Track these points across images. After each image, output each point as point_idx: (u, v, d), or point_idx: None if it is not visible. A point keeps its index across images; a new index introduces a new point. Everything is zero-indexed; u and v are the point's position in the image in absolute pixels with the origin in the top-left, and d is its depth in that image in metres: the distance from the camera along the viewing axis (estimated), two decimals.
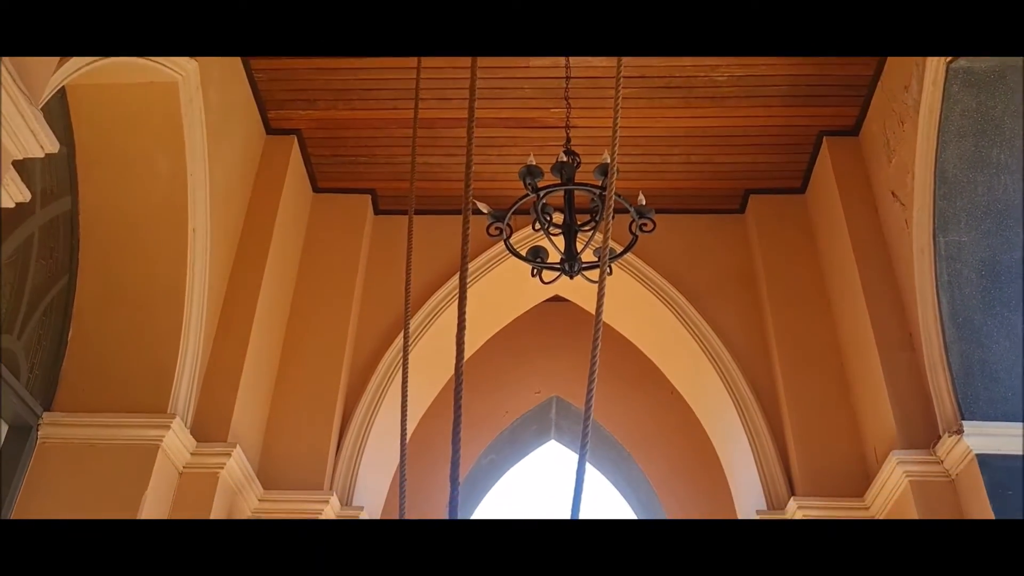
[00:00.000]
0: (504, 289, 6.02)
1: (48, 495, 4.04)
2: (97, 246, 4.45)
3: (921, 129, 4.58)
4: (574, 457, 7.34)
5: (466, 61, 2.53)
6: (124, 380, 4.37)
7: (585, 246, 3.95)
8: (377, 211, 6.26)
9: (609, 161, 2.37)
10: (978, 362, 4.33)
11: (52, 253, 4.29)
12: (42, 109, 3.01)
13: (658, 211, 4.17)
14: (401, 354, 5.39)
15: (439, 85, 5.25)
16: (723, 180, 6.02)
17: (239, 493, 4.68)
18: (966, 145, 4.41)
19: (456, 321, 2.24)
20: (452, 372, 2.21)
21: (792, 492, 4.93)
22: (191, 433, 4.46)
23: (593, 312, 2.19)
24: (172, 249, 4.48)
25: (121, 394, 4.33)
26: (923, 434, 4.47)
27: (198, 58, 4.44)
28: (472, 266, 5.77)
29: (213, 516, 4.34)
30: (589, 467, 5.80)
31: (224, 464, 4.45)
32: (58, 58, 3.19)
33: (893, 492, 4.47)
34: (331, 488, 5.03)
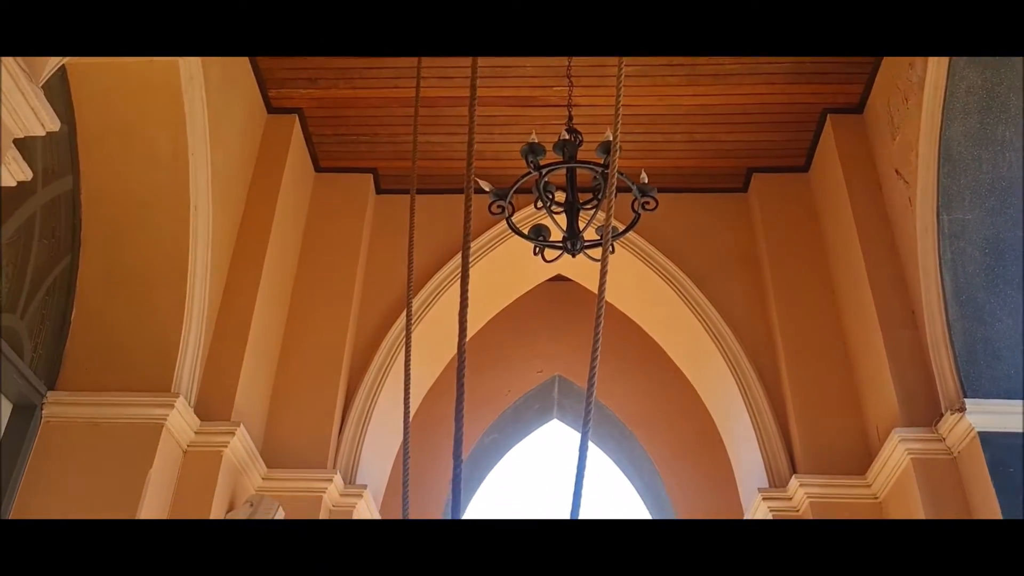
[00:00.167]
0: (506, 269, 6.02)
1: (53, 474, 4.06)
2: (99, 225, 4.45)
3: (926, 106, 4.55)
4: (576, 436, 7.35)
5: None
6: (127, 359, 4.38)
7: (587, 224, 3.94)
8: (379, 190, 6.25)
9: (611, 139, 2.36)
10: (981, 340, 4.33)
11: (54, 233, 4.29)
12: (42, 87, 2.99)
13: (661, 190, 4.15)
14: (404, 333, 5.41)
15: (441, 63, 5.23)
16: (726, 158, 6.00)
17: (243, 472, 4.70)
18: (971, 122, 4.39)
19: (459, 300, 2.24)
20: (455, 351, 2.20)
21: (794, 470, 4.94)
22: (195, 412, 4.47)
23: (595, 291, 2.19)
24: (174, 228, 4.47)
25: (125, 373, 4.34)
26: (925, 412, 4.48)
27: None
28: (474, 245, 5.76)
29: (217, 495, 4.36)
30: (591, 446, 5.82)
31: (228, 443, 4.47)
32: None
33: (895, 470, 4.48)
34: (334, 467, 5.05)
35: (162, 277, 4.47)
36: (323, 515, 4.84)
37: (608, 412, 7.48)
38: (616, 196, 2.47)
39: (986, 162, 4.40)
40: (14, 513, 3.93)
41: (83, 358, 4.39)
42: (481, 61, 2.30)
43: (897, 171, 5.01)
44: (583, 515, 1.91)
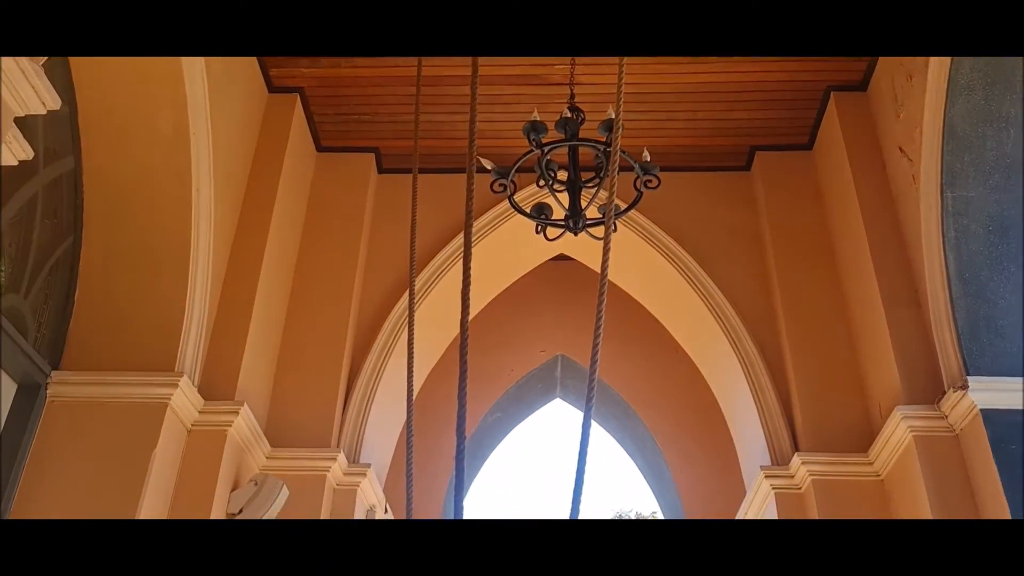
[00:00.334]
0: (509, 247, 6.02)
1: (58, 454, 4.08)
2: (101, 205, 4.44)
3: (930, 84, 4.53)
4: (579, 415, 7.38)
5: None
6: (131, 339, 4.39)
7: (589, 203, 3.93)
8: (381, 170, 6.24)
9: (614, 117, 2.35)
10: (984, 318, 4.33)
11: (56, 212, 4.29)
12: (43, 66, 2.98)
13: (663, 168, 4.14)
14: (407, 313, 5.41)
15: None
16: (729, 137, 5.98)
17: (247, 451, 4.72)
18: (975, 99, 4.36)
19: (461, 279, 2.24)
20: (457, 330, 2.21)
21: (796, 448, 4.96)
22: (199, 391, 4.49)
23: (598, 270, 2.18)
24: (176, 208, 4.47)
25: (129, 353, 4.35)
26: (928, 390, 4.48)
27: None
28: (476, 224, 5.76)
29: (221, 474, 4.38)
30: (594, 424, 5.84)
31: (232, 422, 4.48)
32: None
33: (897, 447, 4.49)
34: (338, 445, 5.08)
35: (165, 257, 4.48)
36: (327, 494, 4.86)
37: (611, 391, 7.50)
38: (618, 174, 2.47)
39: (990, 139, 4.38)
40: (19, 492, 3.95)
41: (87, 338, 4.40)
42: None
43: (901, 149, 4.99)
44: (586, 493, 1.92)
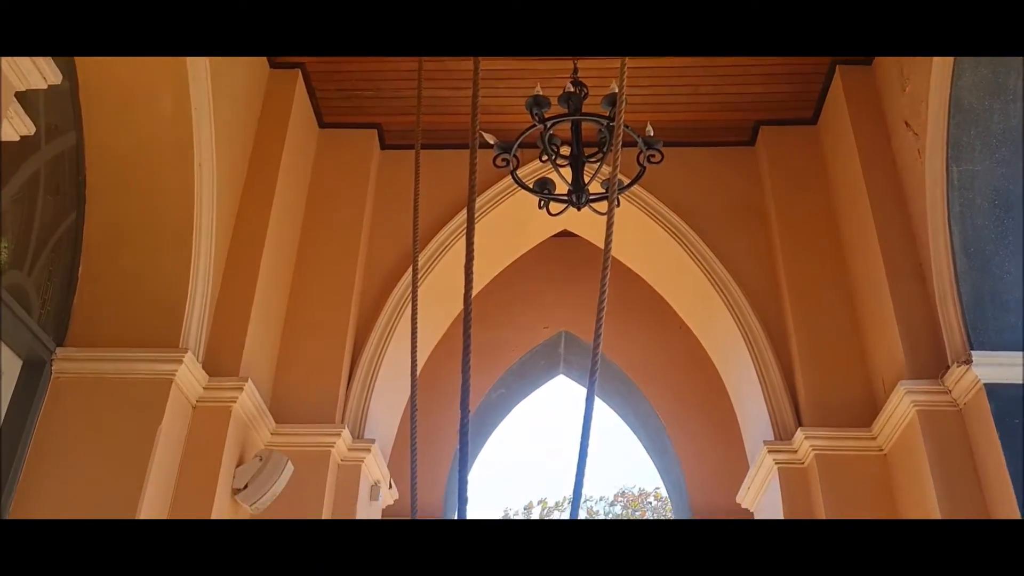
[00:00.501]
0: (512, 224, 6.00)
1: (63, 430, 4.10)
2: (104, 182, 4.44)
3: (936, 57, 4.49)
4: (583, 391, 7.41)
5: None
6: (135, 315, 4.40)
7: (592, 177, 3.92)
8: (384, 146, 6.22)
9: (617, 92, 2.34)
10: (989, 292, 4.32)
11: (59, 189, 4.28)
12: None
13: (667, 144, 4.12)
14: (410, 289, 5.42)
15: None
16: (733, 111, 5.94)
17: (252, 427, 4.74)
18: (982, 73, 4.32)
19: (464, 255, 2.24)
20: (461, 307, 2.21)
21: (799, 423, 4.97)
22: (203, 368, 4.50)
23: (601, 246, 2.18)
24: (179, 184, 4.46)
25: (133, 329, 4.36)
26: (932, 365, 4.48)
27: None
28: (480, 201, 5.74)
29: (226, 450, 4.40)
30: (598, 401, 5.86)
31: (236, 398, 4.50)
32: None
33: (900, 422, 4.50)
34: (342, 421, 5.09)
35: (168, 233, 4.48)
36: (331, 470, 4.88)
37: (614, 367, 7.52)
38: (621, 149, 2.46)
39: (997, 112, 4.35)
40: (26, 468, 3.98)
41: (91, 314, 4.40)
42: None
43: (906, 123, 4.96)
44: (590, 469, 1.92)
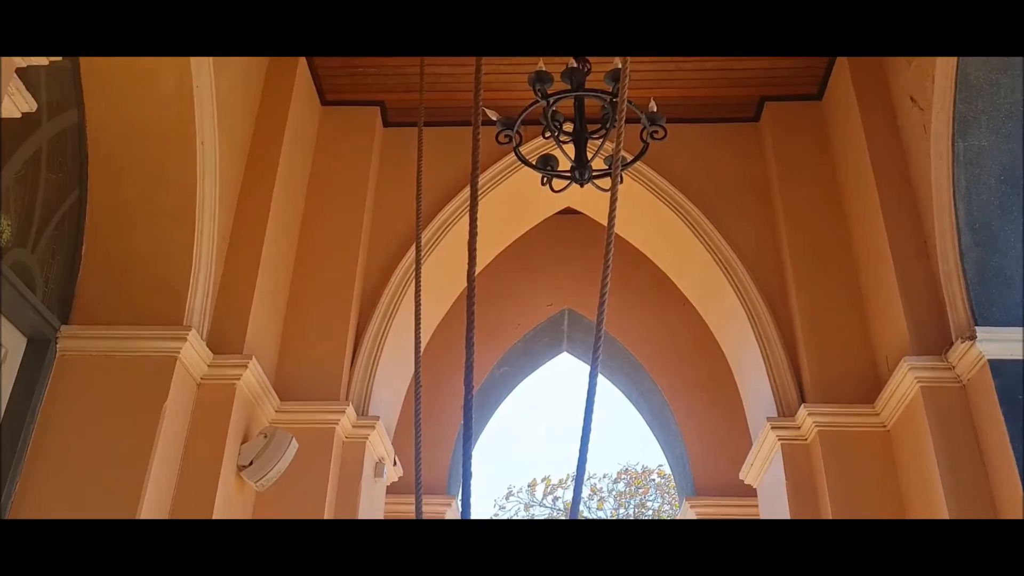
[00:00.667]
0: (515, 201, 5.99)
1: (69, 407, 4.12)
2: (106, 159, 4.43)
3: None
4: (586, 368, 7.44)
5: None
6: (139, 293, 4.41)
7: (595, 154, 3.90)
8: (386, 123, 6.20)
9: (620, 67, 2.32)
10: (994, 268, 4.31)
11: (62, 167, 4.28)
12: None
13: (670, 120, 4.10)
14: (413, 266, 5.41)
15: None
16: (737, 87, 5.90)
17: (256, 404, 4.76)
18: None
19: (467, 233, 2.23)
20: (464, 285, 2.21)
21: (803, 399, 4.97)
22: (207, 345, 4.51)
23: (604, 223, 2.18)
24: (181, 162, 4.45)
25: (137, 307, 4.37)
26: (936, 341, 4.48)
27: None
28: (483, 179, 5.73)
29: (231, 428, 4.42)
30: (601, 378, 5.87)
31: (241, 375, 4.51)
32: None
33: (904, 398, 4.50)
34: (347, 398, 5.11)
35: (171, 210, 4.47)
36: (336, 447, 4.90)
37: (618, 344, 7.52)
38: (625, 125, 2.44)
39: (1004, 87, 4.32)
40: (32, 446, 4.00)
41: (95, 292, 4.41)
42: None
43: (912, 98, 4.93)
44: (593, 447, 1.93)
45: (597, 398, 1.97)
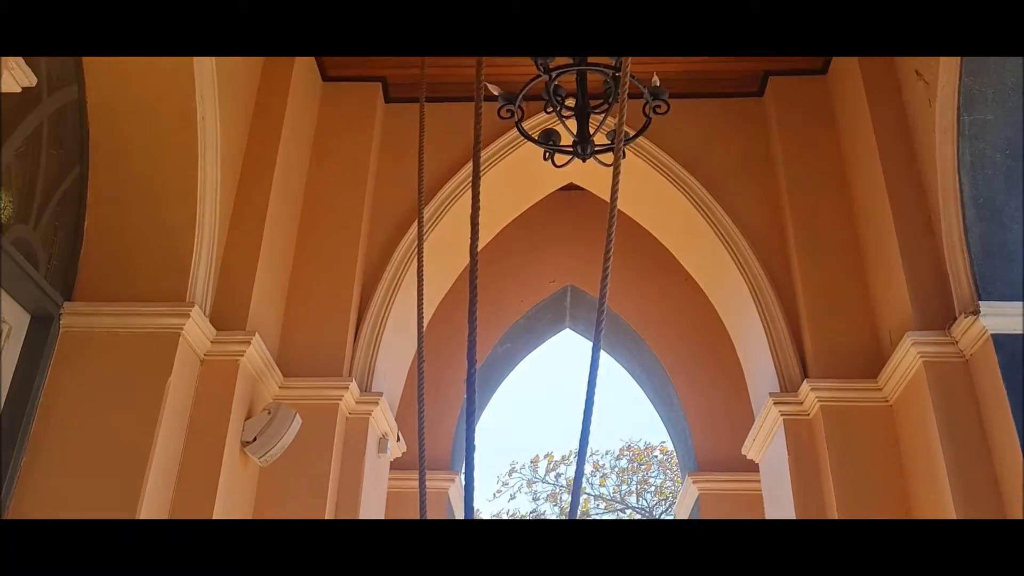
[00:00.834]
0: (518, 177, 5.97)
1: (73, 384, 4.13)
2: (107, 135, 4.41)
3: None
4: (589, 345, 7.44)
5: None
6: (142, 269, 4.40)
7: (597, 128, 3.88)
8: (388, 99, 6.17)
9: None
10: (998, 243, 4.29)
11: (63, 143, 4.26)
12: None
13: (673, 94, 4.07)
14: (416, 242, 5.41)
15: None
16: (741, 61, 5.86)
17: (260, 380, 4.77)
18: None
19: (470, 208, 2.22)
20: (467, 261, 2.20)
21: (805, 374, 4.98)
22: (210, 322, 4.51)
23: (607, 199, 2.16)
24: (182, 138, 4.43)
25: (140, 283, 4.37)
26: (939, 316, 4.48)
27: None
28: (485, 155, 5.71)
29: (235, 404, 4.43)
30: (604, 354, 5.87)
31: (244, 352, 4.52)
32: None
33: (907, 373, 4.50)
34: (350, 374, 5.12)
35: (172, 186, 4.46)
36: (339, 423, 4.92)
37: (620, 320, 7.52)
38: (627, 100, 2.42)
39: (1011, 61, 4.28)
40: (36, 423, 4.01)
41: (98, 268, 4.41)
42: None
43: (917, 72, 4.89)
44: (596, 423, 1.93)
45: (599, 375, 1.97)
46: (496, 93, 3.84)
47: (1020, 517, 3.81)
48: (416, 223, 5.44)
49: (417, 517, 2.47)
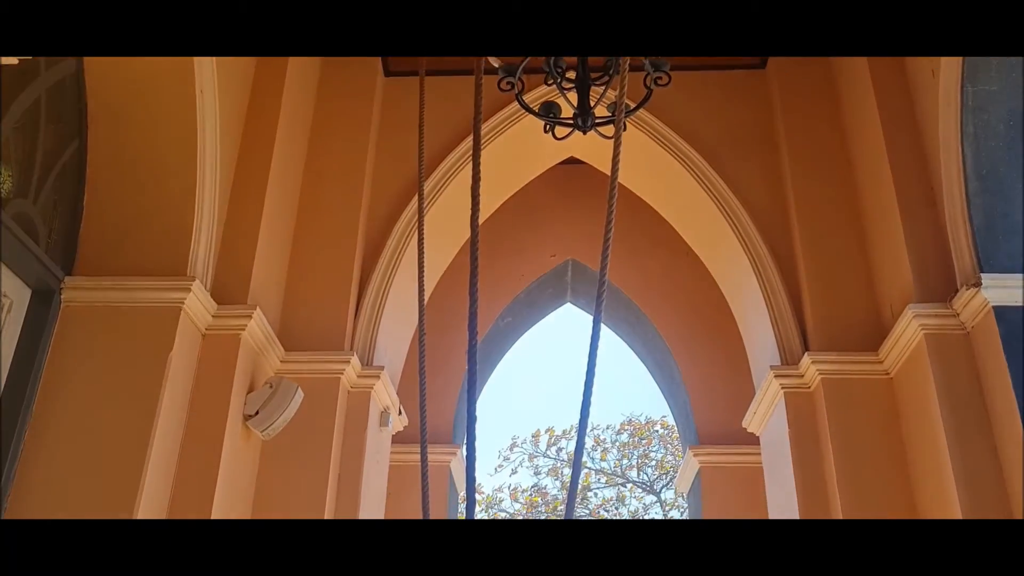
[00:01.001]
0: (518, 150, 5.95)
1: (74, 358, 4.13)
2: (105, 109, 4.39)
3: None
4: (590, 319, 7.43)
5: None
6: (142, 243, 4.40)
7: (598, 101, 3.86)
8: (388, 73, 6.14)
9: None
10: (1000, 215, 4.28)
11: (61, 116, 4.24)
12: None
13: (675, 67, 4.04)
14: (416, 216, 5.40)
15: None
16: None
17: (261, 354, 4.78)
18: None
19: (470, 181, 2.22)
20: (468, 234, 2.20)
21: (806, 347, 4.98)
22: (211, 296, 4.51)
23: (608, 173, 2.15)
24: (181, 111, 4.41)
25: (140, 257, 4.37)
26: (941, 288, 4.47)
27: None
28: (485, 128, 5.68)
29: (237, 378, 4.44)
30: (604, 328, 5.88)
31: (245, 326, 4.52)
32: None
33: (908, 345, 4.51)
34: (351, 348, 5.13)
35: (172, 160, 4.44)
36: (341, 396, 4.93)
37: (621, 294, 7.53)
38: (628, 72, 2.41)
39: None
40: (39, 397, 4.02)
41: (98, 242, 4.40)
42: None
43: None
44: (596, 397, 1.93)
45: (600, 348, 1.97)
46: (496, 65, 3.81)
47: (1020, 489, 3.83)
48: (417, 197, 5.43)
49: (419, 490, 2.48)
